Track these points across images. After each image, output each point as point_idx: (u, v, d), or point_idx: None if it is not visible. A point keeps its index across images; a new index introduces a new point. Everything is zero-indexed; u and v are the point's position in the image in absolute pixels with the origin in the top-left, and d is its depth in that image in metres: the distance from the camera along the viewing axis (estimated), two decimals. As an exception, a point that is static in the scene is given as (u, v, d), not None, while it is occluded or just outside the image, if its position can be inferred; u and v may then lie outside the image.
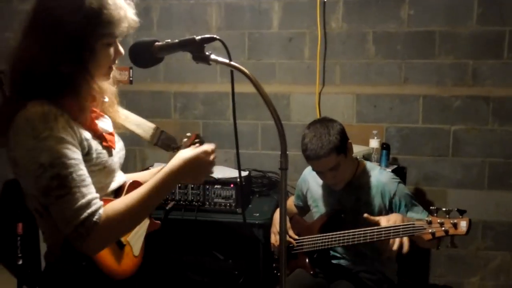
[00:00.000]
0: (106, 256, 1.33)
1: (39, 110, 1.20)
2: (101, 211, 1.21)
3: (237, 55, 3.30)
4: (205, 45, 1.21)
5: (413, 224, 1.87)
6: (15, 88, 1.28)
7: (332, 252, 2.28)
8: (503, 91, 3.07)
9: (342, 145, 2.10)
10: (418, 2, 3.09)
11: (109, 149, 1.37)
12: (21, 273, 1.38)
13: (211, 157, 1.42)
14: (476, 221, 3.19)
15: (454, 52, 3.09)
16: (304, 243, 2.26)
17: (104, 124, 1.41)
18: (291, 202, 2.56)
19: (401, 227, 1.89)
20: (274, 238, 2.46)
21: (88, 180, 1.24)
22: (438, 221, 1.81)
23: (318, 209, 2.33)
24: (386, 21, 3.14)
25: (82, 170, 1.22)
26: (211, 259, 3.09)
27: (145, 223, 1.52)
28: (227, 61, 1.18)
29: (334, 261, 2.29)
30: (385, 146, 2.95)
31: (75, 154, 1.22)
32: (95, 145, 1.31)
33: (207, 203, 2.84)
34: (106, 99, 1.43)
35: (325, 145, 2.06)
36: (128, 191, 1.41)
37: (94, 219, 1.19)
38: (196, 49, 1.20)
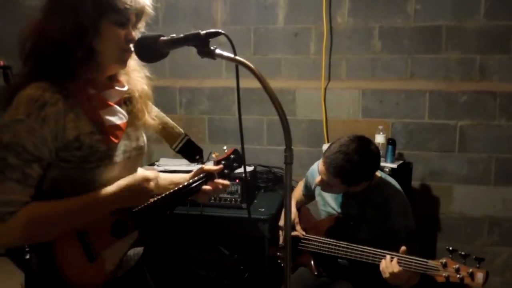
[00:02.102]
0: (68, 264, 1.30)
1: (31, 93, 1.21)
2: (14, 215, 1.19)
3: (243, 50, 3.29)
4: (210, 39, 1.20)
5: (427, 262, 1.81)
6: (27, 69, 1.29)
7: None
8: (510, 86, 3.04)
9: (354, 180, 2.02)
10: (425, -3, 3.07)
11: (109, 145, 1.32)
12: (28, 267, 1.39)
13: (151, 184, 1.39)
14: (483, 217, 3.18)
15: (461, 47, 3.07)
16: (310, 242, 2.25)
17: (113, 115, 1.35)
18: (299, 190, 2.54)
19: (413, 260, 1.83)
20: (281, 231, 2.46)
21: (32, 181, 1.22)
22: (454, 266, 1.75)
23: (325, 208, 2.31)
24: (393, 16, 3.12)
25: (33, 169, 1.21)
26: (217, 254, 3.10)
27: (127, 239, 1.42)
28: (232, 56, 1.17)
29: (340, 260, 2.28)
30: (391, 142, 2.94)
31: (36, 151, 1.20)
32: (91, 141, 1.28)
33: (213, 198, 2.84)
34: (126, 87, 1.40)
35: (340, 168, 1.96)
36: None
37: (0, 218, 1.17)
38: (201, 44, 1.20)
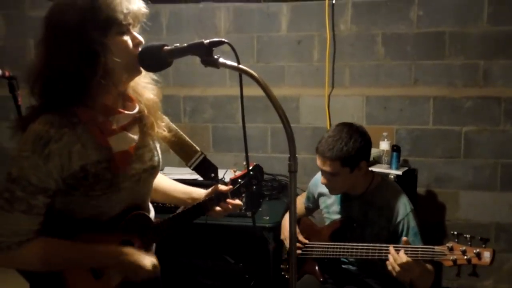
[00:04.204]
0: (75, 281, 1.34)
1: (38, 129, 1.24)
2: (24, 244, 1.25)
3: (246, 59, 3.30)
4: (213, 48, 1.21)
5: (433, 248, 1.82)
6: (38, 97, 1.30)
7: (341, 258, 2.26)
8: (515, 91, 3.04)
9: (352, 160, 2.04)
10: (428, 3, 3.07)
11: (115, 173, 1.32)
12: (33, 277, 1.39)
13: (154, 271, 1.41)
14: (489, 223, 3.16)
15: (464, 52, 3.06)
16: (314, 249, 2.24)
17: (121, 140, 1.34)
18: (300, 203, 2.54)
19: (420, 249, 1.84)
20: (285, 243, 2.45)
21: (38, 210, 1.26)
22: (460, 248, 1.77)
23: (329, 215, 2.31)
24: (395, 22, 3.12)
25: (38, 200, 1.25)
26: (222, 263, 3.09)
27: None
28: (235, 64, 1.18)
29: (343, 266, 2.27)
30: (395, 148, 2.93)
31: (41, 183, 1.24)
32: (96, 170, 1.28)
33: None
34: (136, 109, 1.39)
35: (336, 150, 2.02)
36: (128, 224, 1.40)
37: (8, 246, 1.24)
38: (205, 53, 1.20)
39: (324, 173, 2.12)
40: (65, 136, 1.25)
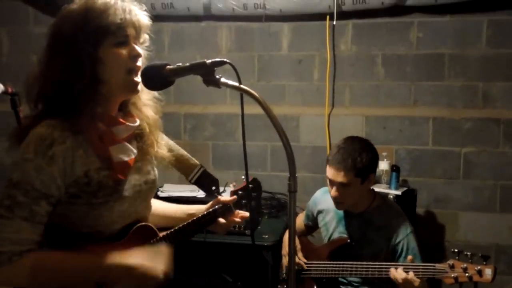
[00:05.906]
0: None
1: (41, 132, 1.22)
2: (25, 256, 1.18)
3: (247, 77, 3.32)
4: (215, 68, 1.22)
5: (434, 266, 1.83)
6: (33, 104, 1.31)
7: (339, 278, 2.25)
8: (514, 113, 3.05)
9: (364, 171, 2.08)
10: (427, 25, 3.10)
11: (117, 182, 1.32)
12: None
13: (159, 277, 1.35)
14: (489, 245, 3.14)
15: (464, 74, 3.09)
16: (312, 268, 2.23)
17: (122, 150, 1.35)
18: (300, 220, 2.54)
19: (420, 267, 1.85)
20: (285, 260, 2.44)
21: (40, 218, 1.21)
22: (461, 266, 1.78)
23: (327, 233, 2.31)
24: (395, 43, 3.16)
25: (40, 207, 1.20)
26: (220, 281, 3.06)
27: None
28: (237, 84, 1.19)
29: (342, 286, 2.25)
30: (395, 168, 2.93)
31: (44, 188, 1.20)
32: (99, 176, 1.28)
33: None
34: (137, 123, 1.40)
35: (351, 160, 2.06)
36: (133, 236, 1.37)
37: (9, 258, 1.17)
38: (207, 73, 1.21)
39: (335, 184, 2.11)
40: (68, 140, 1.24)
